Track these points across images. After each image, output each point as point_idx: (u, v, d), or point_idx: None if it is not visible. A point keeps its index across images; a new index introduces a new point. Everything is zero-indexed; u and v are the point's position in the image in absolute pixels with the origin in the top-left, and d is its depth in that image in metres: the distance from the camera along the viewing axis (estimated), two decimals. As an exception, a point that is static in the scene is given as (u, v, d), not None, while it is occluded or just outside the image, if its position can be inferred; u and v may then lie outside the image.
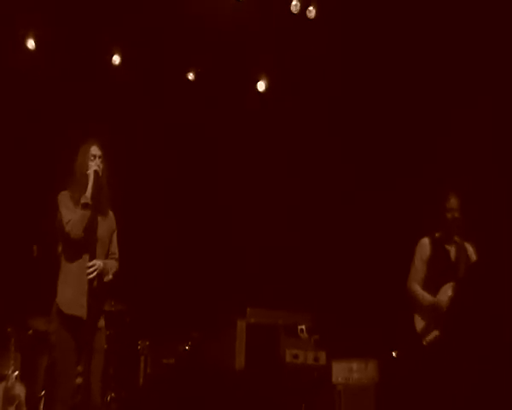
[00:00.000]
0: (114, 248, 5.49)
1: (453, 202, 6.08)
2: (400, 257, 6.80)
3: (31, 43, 8.68)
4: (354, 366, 7.68)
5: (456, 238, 6.17)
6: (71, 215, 5.15)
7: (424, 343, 5.99)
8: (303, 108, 9.25)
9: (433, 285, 6.07)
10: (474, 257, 6.12)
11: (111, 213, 5.49)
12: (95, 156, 5.32)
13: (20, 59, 8.65)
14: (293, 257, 9.19)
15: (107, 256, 5.38)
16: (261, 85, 9.56)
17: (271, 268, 9.04)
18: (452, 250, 6.17)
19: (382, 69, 8.46)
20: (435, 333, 5.95)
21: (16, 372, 6.64)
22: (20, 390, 6.60)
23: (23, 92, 8.58)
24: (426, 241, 6.27)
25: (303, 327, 7.79)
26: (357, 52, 8.48)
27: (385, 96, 8.54)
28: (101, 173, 5.27)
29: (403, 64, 8.23)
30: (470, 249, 6.17)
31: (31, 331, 7.32)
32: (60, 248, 5.30)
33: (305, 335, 7.78)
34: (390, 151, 8.59)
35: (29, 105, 8.63)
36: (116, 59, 9.07)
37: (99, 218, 5.26)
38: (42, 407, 6.99)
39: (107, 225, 5.37)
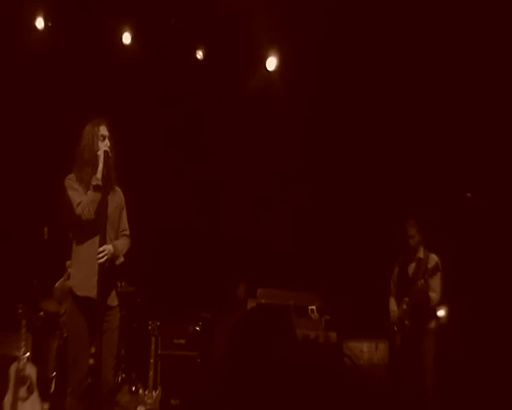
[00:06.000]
0: (124, 224, 5.45)
1: (411, 231, 7.13)
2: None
3: (40, 23, 8.64)
4: (365, 346, 7.68)
5: (420, 254, 7.16)
6: (80, 197, 5.10)
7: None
8: (311, 89, 9.17)
9: (399, 299, 7.17)
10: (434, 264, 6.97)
11: (118, 189, 5.42)
12: (104, 137, 5.27)
13: (30, 38, 8.62)
14: (304, 238, 9.16)
15: (117, 233, 5.35)
16: (271, 64, 9.45)
17: (282, 249, 9.01)
18: (412, 267, 7.17)
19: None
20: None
21: (27, 354, 6.64)
22: (31, 371, 6.61)
23: (32, 73, 8.56)
24: (397, 262, 7.42)
25: (314, 308, 7.77)
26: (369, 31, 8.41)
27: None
28: (110, 154, 5.23)
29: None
30: (433, 259, 7.04)
31: (42, 313, 7.35)
32: (71, 233, 5.27)
33: (315, 315, 7.76)
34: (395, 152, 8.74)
35: (38, 86, 8.60)
36: (126, 39, 9.03)
37: (107, 196, 5.22)
38: (53, 387, 7.02)
39: (115, 202, 5.32)
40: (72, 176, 5.22)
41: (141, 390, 7.27)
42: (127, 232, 5.45)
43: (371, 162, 8.90)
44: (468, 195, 6.77)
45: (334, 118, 9.07)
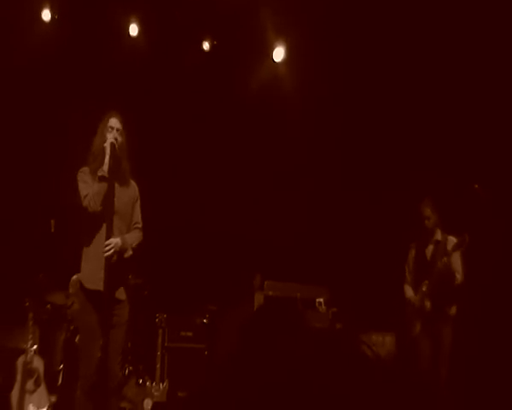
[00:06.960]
0: (137, 217, 5.44)
1: (426, 211, 6.79)
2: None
3: (46, 15, 8.62)
4: (372, 339, 7.65)
5: (438, 236, 6.81)
6: (88, 189, 5.11)
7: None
8: (319, 80, 9.13)
9: (417, 285, 6.84)
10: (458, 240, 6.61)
11: (133, 182, 5.42)
12: (113, 128, 5.25)
13: (36, 31, 8.61)
14: (311, 230, 9.14)
15: (129, 226, 5.33)
16: (278, 55, 9.39)
17: (289, 241, 9.00)
18: (430, 250, 6.84)
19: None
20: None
21: (35, 346, 6.64)
22: (38, 364, 6.61)
23: (37, 66, 8.55)
24: (412, 246, 7.10)
25: (321, 300, 7.75)
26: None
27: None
28: (117, 145, 5.21)
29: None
30: (452, 241, 6.66)
31: (49, 306, 7.35)
32: (82, 226, 5.28)
33: (322, 308, 7.74)
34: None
35: (44, 79, 8.59)
36: (133, 30, 9.00)
37: (119, 189, 5.21)
38: (60, 380, 7.03)
39: (127, 195, 5.31)
40: (85, 169, 5.25)
41: (148, 383, 7.27)
42: (139, 225, 5.44)
43: (376, 156, 8.86)
44: (476, 186, 6.67)
45: (343, 104, 9.03)
